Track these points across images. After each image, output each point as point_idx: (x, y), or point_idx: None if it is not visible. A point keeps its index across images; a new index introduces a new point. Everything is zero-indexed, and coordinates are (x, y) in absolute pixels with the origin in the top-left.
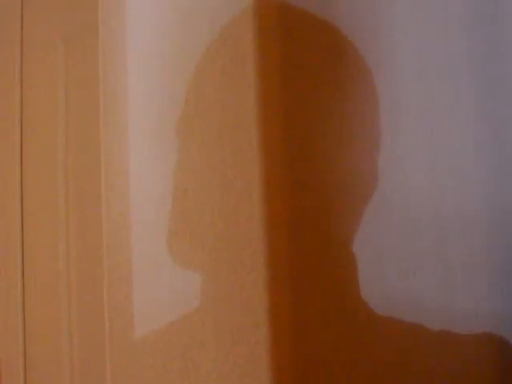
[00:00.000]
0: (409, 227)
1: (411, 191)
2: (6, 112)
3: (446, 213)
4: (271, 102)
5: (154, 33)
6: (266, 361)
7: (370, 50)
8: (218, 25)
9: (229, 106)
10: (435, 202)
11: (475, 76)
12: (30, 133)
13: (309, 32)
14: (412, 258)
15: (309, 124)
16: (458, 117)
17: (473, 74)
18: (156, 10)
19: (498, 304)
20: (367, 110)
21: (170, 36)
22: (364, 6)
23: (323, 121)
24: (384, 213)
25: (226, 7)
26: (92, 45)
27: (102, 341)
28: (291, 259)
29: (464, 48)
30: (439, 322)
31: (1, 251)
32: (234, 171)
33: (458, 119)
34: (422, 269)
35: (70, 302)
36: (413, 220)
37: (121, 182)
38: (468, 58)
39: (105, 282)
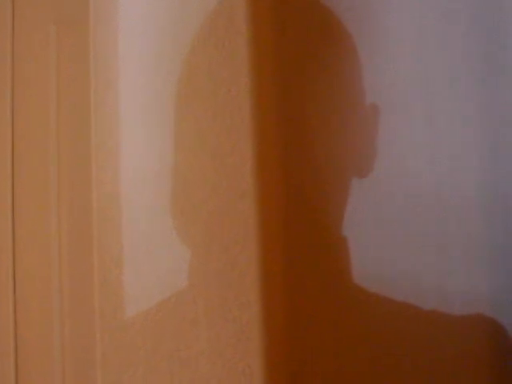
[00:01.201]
0: (406, 209)
1: (408, 174)
2: None
3: (444, 195)
4: (265, 78)
5: (146, 11)
6: (258, 340)
7: (366, 29)
8: None
9: (221, 81)
10: (433, 184)
11: (475, 58)
12: (20, 115)
13: (302, 5)
14: (408, 240)
15: (303, 100)
16: (458, 100)
17: (473, 55)
18: None
19: (493, 286)
20: (362, 89)
21: (162, 12)
22: None
23: (318, 97)
24: (381, 195)
25: None
26: (83, 26)
27: (92, 322)
28: (285, 237)
29: (463, 28)
30: (434, 303)
31: None
32: (226, 148)
33: (459, 103)
34: (419, 251)
35: (60, 283)
36: (410, 202)
37: (112, 161)
38: (467, 35)
39: (95, 263)
